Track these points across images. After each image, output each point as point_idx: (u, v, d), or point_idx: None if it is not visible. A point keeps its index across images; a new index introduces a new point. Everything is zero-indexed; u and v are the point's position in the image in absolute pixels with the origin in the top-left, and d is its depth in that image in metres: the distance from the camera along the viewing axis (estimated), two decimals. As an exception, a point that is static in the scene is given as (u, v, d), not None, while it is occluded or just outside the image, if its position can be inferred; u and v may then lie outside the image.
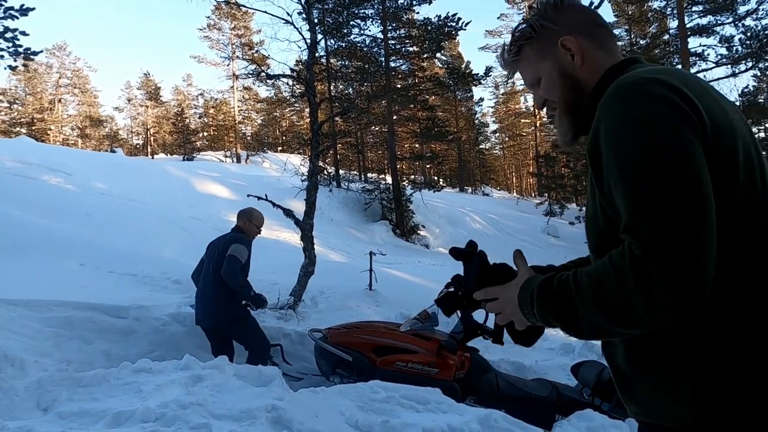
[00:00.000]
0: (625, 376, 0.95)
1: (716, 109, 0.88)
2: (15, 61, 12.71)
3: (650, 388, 0.90)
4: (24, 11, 11.96)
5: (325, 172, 22.79)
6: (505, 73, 1.22)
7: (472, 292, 1.09)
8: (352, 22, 19.44)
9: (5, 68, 12.54)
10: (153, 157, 39.48)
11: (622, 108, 0.87)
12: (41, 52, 14.23)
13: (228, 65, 38.04)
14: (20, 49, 12.46)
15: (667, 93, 0.85)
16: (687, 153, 0.81)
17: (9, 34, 12.16)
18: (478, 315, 4.03)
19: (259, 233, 4.58)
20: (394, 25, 21.79)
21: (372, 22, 21.12)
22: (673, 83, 0.87)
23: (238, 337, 4.29)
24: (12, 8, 11.88)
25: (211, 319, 4.21)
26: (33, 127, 41.49)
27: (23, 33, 12.32)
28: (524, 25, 1.13)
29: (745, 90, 20.10)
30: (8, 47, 12.30)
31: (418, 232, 20.62)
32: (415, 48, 22.36)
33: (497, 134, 50.70)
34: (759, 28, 17.99)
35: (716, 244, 0.79)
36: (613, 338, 0.92)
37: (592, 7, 1.13)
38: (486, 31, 43.73)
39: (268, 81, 21.92)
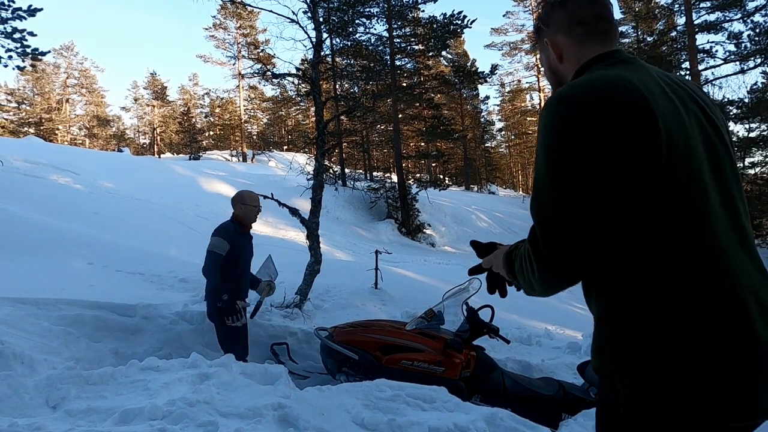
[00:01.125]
0: (594, 341, 1.14)
1: (629, 121, 0.95)
2: (23, 61, 12.82)
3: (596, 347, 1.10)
4: (32, 12, 12.04)
5: (331, 170, 22.83)
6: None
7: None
8: (357, 21, 19.40)
9: (14, 68, 12.64)
10: (160, 157, 39.71)
11: (542, 119, 1.04)
12: (49, 52, 14.33)
13: (234, 64, 38.18)
14: (28, 50, 12.57)
15: (571, 113, 0.98)
16: (571, 169, 0.96)
17: (17, 35, 12.26)
18: (484, 314, 4.04)
19: (260, 210, 4.28)
20: (399, 23, 21.76)
21: (377, 20, 21.09)
22: (585, 101, 0.97)
23: (217, 334, 4.07)
24: (20, 9, 11.97)
25: (206, 307, 4.13)
26: (41, 127, 41.84)
27: (31, 33, 12.42)
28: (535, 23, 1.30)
29: (754, 87, 19.80)
30: (16, 48, 12.40)
31: (424, 230, 20.60)
32: (420, 46, 22.32)
33: (503, 132, 50.52)
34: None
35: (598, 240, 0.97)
36: (538, 296, 1.16)
37: None
38: (492, 28, 43.71)
39: (273, 80, 21.95)
